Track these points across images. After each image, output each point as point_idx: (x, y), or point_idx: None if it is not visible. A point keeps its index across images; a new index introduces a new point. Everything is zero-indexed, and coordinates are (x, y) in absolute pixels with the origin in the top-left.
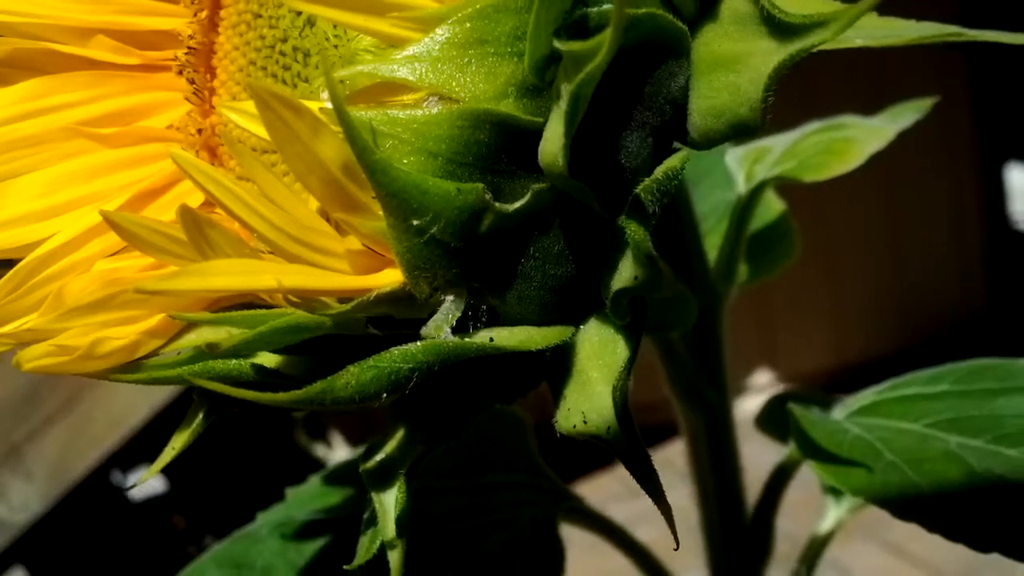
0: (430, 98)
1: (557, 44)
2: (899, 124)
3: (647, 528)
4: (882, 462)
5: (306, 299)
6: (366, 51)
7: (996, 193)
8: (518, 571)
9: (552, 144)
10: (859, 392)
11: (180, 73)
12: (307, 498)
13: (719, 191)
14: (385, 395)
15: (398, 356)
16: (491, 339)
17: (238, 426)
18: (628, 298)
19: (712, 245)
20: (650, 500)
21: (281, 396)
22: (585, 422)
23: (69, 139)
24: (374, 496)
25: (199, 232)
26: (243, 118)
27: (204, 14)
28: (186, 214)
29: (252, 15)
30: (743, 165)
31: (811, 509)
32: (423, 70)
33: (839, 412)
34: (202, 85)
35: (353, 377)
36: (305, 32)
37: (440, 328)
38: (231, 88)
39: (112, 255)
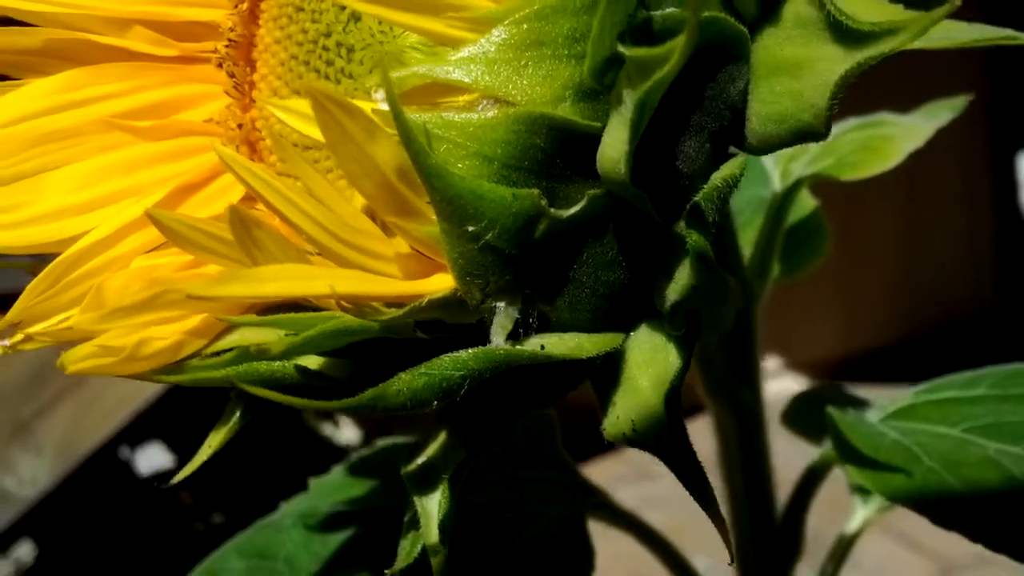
0: (484, 100)
1: (622, 49)
2: (936, 122)
3: (654, 512)
4: (921, 467)
5: (358, 304)
6: (414, 48)
7: (1008, 183)
8: (547, 567)
9: (613, 151)
10: (865, 384)
11: (220, 66)
12: (331, 488)
13: (753, 187)
14: (436, 402)
15: (449, 364)
16: (542, 347)
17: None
18: (685, 308)
19: (746, 241)
20: (657, 484)
21: (333, 404)
22: (635, 431)
23: (106, 132)
24: (416, 500)
25: (246, 232)
26: (290, 116)
27: (245, 6)
28: (234, 214)
29: (294, 8)
30: (779, 162)
31: (835, 506)
32: (479, 72)
33: (874, 414)
34: (242, 79)
35: (405, 384)
36: (349, 27)
37: (493, 335)
38: (272, 83)
39: (151, 251)
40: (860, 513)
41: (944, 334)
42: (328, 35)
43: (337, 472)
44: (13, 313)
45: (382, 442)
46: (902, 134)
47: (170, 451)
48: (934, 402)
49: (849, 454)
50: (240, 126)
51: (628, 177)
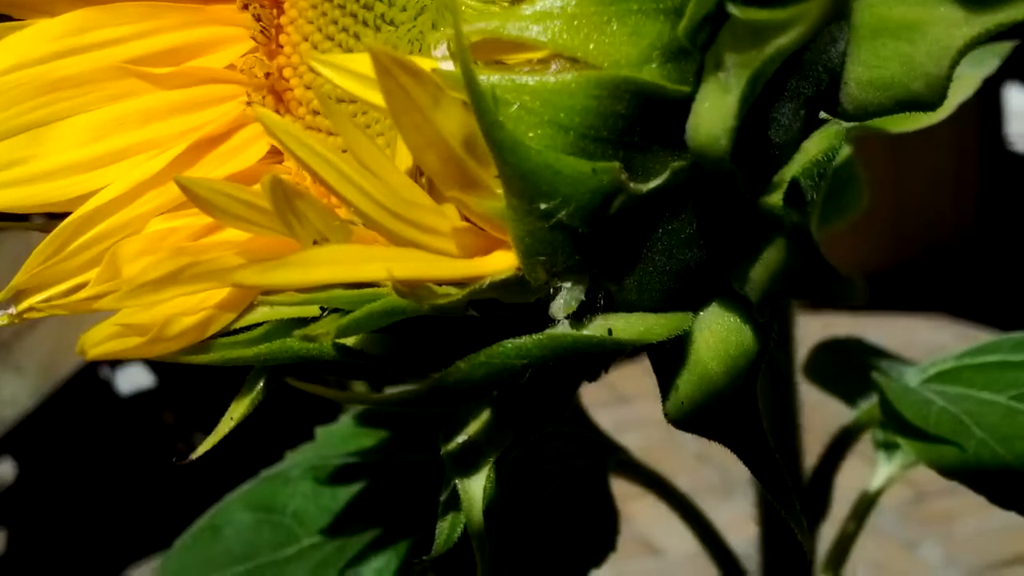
0: (554, 59)
1: (734, 10)
2: (983, 69)
3: (630, 435)
4: (972, 440)
5: (413, 287)
6: None
7: (994, 113)
8: (572, 523)
9: (713, 124)
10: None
11: (245, 7)
12: (339, 439)
13: None
14: (495, 391)
15: (512, 351)
16: (609, 331)
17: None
18: (774, 290)
19: None
20: (632, 407)
21: (388, 396)
22: (703, 418)
23: (119, 79)
24: (458, 482)
25: (287, 204)
26: (342, 76)
27: None
28: (276, 185)
29: None
30: None
31: (856, 464)
32: (556, 29)
33: (913, 376)
34: (269, 22)
35: (463, 375)
36: None
37: (554, 316)
38: (302, 27)
39: (167, 212)
40: (883, 470)
41: (926, 261)
42: None
43: (345, 421)
44: (19, 279)
45: (392, 390)
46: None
47: (151, 371)
48: (979, 366)
49: (900, 425)
50: (267, 75)
51: (729, 153)
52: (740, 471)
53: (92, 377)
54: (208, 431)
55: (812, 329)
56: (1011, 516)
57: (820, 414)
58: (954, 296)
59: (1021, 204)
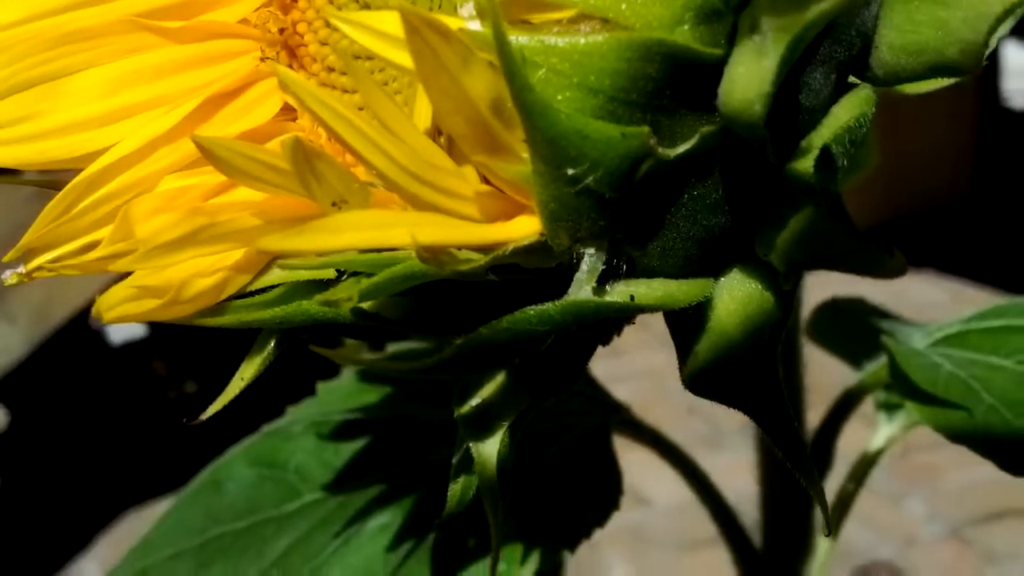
0: (583, 19)
1: None
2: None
3: (621, 387)
4: (982, 405)
5: (435, 252)
6: None
7: (991, 70)
8: (575, 480)
9: (748, 90)
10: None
11: None
12: (341, 394)
13: None
14: (516, 359)
15: (534, 317)
16: (632, 297)
17: None
18: (803, 258)
19: None
20: (623, 360)
21: (412, 365)
22: (723, 384)
23: (130, 32)
24: (472, 445)
25: (307, 165)
26: (365, 35)
27: None
28: (296, 146)
29: None
30: None
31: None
32: None
33: (920, 339)
34: None
35: (486, 341)
36: None
37: (578, 282)
38: None
39: (179, 170)
40: (884, 430)
41: (920, 219)
42: None
43: (347, 377)
44: (29, 237)
45: (394, 347)
46: None
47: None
48: (986, 330)
49: (908, 389)
50: (281, 30)
51: (763, 119)
52: (729, 423)
53: (84, 326)
54: (199, 380)
55: (806, 283)
56: (995, 471)
57: (813, 373)
58: (948, 253)
59: (1017, 160)
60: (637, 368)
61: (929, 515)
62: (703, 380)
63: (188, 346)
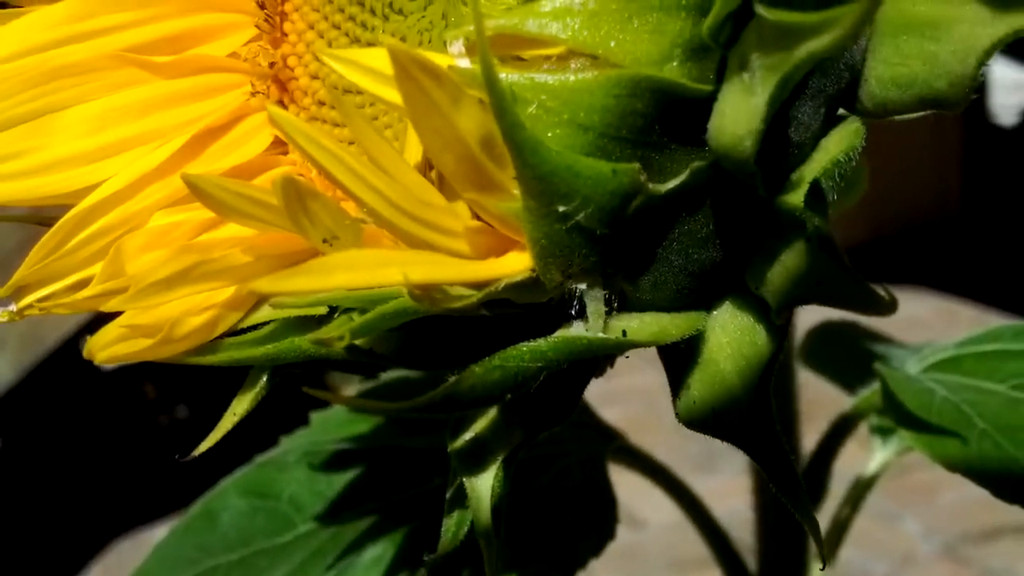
0: (572, 55)
1: (763, 11)
2: None
3: (613, 409)
4: (975, 431)
5: (428, 290)
6: None
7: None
8: (570, 509)
9: (738, 126)
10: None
11: None
12: (334, 424)
13: None
14: (509, 395)
15: (527, 354)
16: (624, 333)
17: None
18: (795, 294)
19: None
20: (616, 381)
21: (402, 405)
22: (715, 419)
23: (119, 68)
24: (465, 480)
25: (298, 203)
26: (356, 73)
27: None
28: (287, 185)
29: None
30: None
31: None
32: (576, 26)
33: (914, 364)
34: (273, 10)
35: (478, 379)
36: None
37: (570, 318)
38: (307, 15)
39: (169, 206)
40: (879, 455)
41: (907, 236)
42: None
43: (340, 407)
44: (20, 274)
45: (387, 376)
46: None
47: None
48: (979, 355)
49: (902, 417)
50: (272, 64)
51: (754, 155)
52: (723, 444)
53: (74, 351)
54: (191, 405)
55: None
56: None
57: (807, 393)
58: (936, 269)
59: (1004, 176)
60: (629, 388)
61: (925, 533)
62: (696, 415)
63: (179, 371)
